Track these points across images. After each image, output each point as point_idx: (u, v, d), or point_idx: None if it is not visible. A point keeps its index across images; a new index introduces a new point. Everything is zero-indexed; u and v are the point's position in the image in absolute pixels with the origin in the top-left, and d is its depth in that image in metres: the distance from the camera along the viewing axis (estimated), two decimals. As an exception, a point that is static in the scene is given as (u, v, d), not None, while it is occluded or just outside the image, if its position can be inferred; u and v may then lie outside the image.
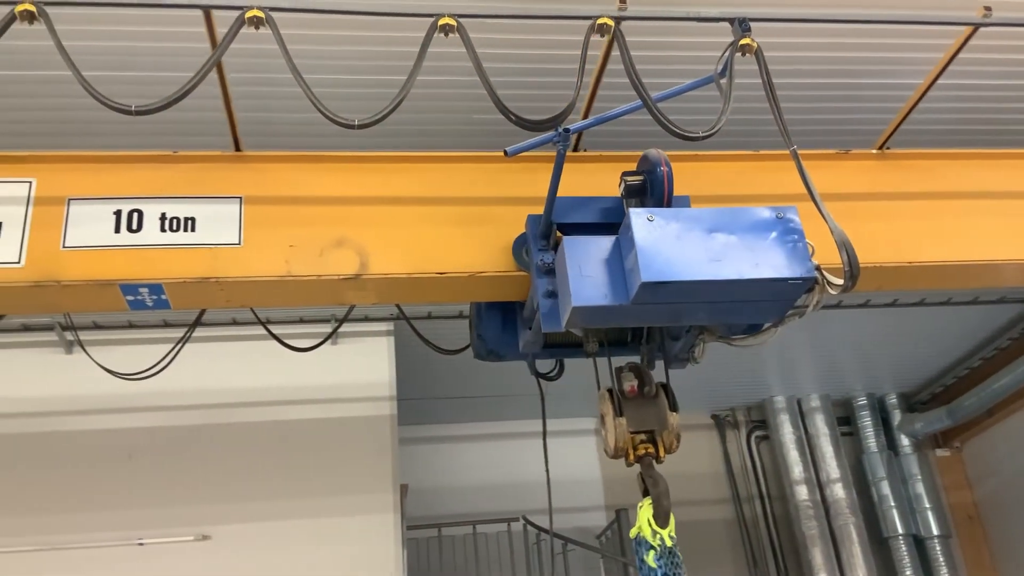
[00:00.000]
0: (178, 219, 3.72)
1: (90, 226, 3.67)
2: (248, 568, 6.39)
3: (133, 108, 3.33)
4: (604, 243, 3.28)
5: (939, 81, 4.35)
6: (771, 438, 10.49)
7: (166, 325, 6.99)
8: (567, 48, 4.12)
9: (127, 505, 6.52)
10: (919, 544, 9.95)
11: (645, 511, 3.36)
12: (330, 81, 4.57)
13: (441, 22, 3.58)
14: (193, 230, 3.71)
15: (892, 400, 10.62)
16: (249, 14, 3.43)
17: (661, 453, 3.51)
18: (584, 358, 3.83)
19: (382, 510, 6.65)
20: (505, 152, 3.47)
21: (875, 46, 4.89)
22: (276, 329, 5.58)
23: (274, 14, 3.47)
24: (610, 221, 3.53)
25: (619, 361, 3.78)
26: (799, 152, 3.34)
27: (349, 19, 4.03)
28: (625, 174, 3.52)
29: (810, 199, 3.20)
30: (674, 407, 3.50)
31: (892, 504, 9.96)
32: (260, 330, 5.64)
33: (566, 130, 3.28)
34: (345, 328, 5.81)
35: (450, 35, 3.60)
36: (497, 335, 3.99)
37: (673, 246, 3.08)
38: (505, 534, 8.60)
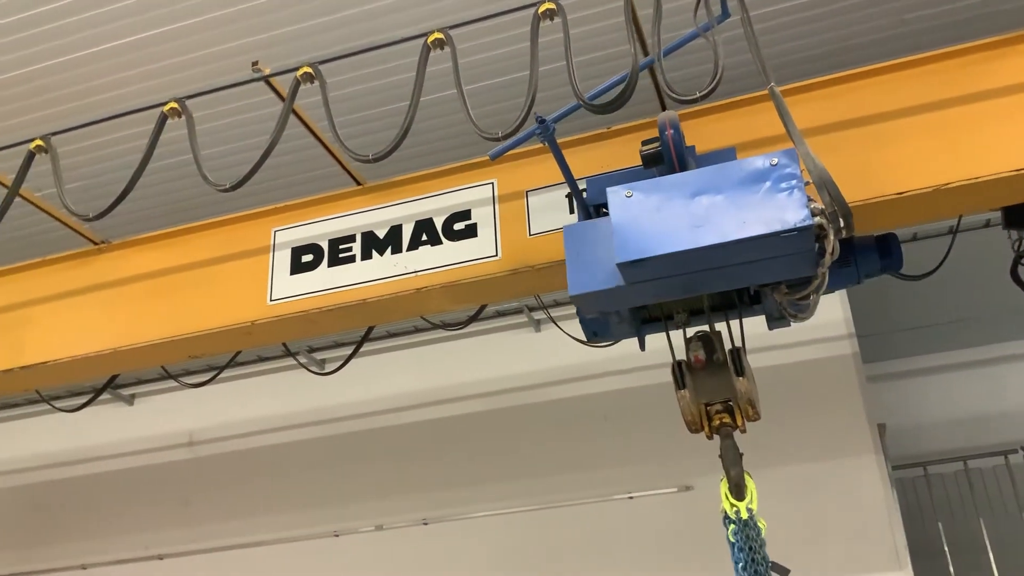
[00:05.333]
0: (623, 190, 3.90)
1: (548, 212, 4.01)
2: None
3: (500, 134, 3.60)
4: (602, 225, 3.11)
5: None
6: None
7: (614, 294, 7.40)
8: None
9: (612, 463, 7.02)
10: None
11: (725, 484, 3.19)
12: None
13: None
14: (636, 198, 3.87)
15: None
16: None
17: (739, 422, 3.31)
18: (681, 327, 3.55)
19: (862, 452, 6.36)
20: (490, 156, 3.55)
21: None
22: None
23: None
24: None
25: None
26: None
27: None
28: (643, 142, 3.24)
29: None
30: (740, 372, 3.21)
31: None
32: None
33: (542, 120, 3.20)
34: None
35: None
36: (596, 318, 3.76)
37: (652, 219, 2.90)
38: (1002, 468, 7.76)
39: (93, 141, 5.20)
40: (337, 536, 7.49)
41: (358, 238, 4.30)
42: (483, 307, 5.52)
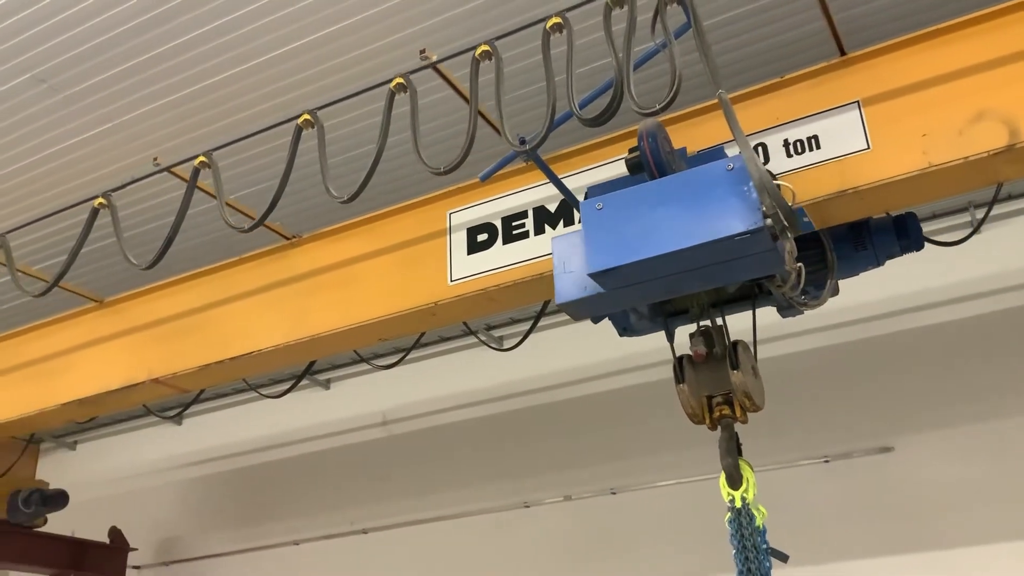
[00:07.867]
0: (801, 141, 3.74)
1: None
2: (937, 478, 6.17)
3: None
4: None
5: None
6: None
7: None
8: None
9: (806, 427, 6.75)
10: None
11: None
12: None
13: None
14: (818, 147, 3.70)
15: None
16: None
17: (738, 413, 3.38)
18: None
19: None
20: (480, 178, 3.92)
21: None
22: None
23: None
24: None
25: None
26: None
27: None
28: (629, 150, 3.33)
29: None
30: (735, 366, 3.32)
31: None
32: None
33: (522, 141, 3.39)
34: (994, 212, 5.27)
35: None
36: (621, 312, 3.87)
37: (620, 229, 3.02)
38: None
39: (250, 152, 5.58)
40: (528, 507, 7.66)
41: (530, 214, 4.35)
42: (657, 275, 5.45)
